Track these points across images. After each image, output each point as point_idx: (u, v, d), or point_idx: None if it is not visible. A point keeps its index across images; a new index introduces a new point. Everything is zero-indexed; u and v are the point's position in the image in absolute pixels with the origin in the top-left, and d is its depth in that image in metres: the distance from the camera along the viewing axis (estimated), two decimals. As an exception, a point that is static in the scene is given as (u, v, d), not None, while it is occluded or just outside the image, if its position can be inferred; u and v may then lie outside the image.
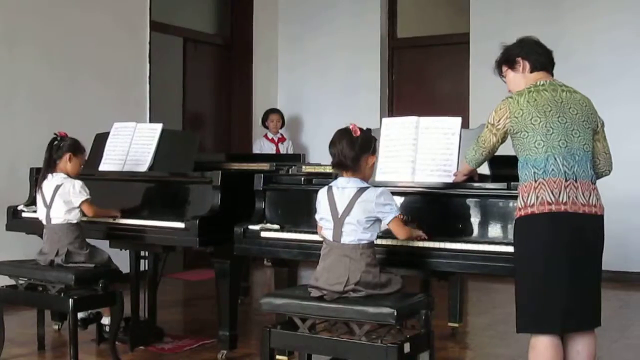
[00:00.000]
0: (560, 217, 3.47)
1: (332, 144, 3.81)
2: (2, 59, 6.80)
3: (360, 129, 3.81)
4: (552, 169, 3.49)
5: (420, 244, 3.99)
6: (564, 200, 3.46)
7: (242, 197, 4.79)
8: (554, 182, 3.47)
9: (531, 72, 3.74)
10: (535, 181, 3.50)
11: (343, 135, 3.80)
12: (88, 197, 4.91)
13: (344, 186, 3.78)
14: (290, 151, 9.36)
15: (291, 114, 9.94)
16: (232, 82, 9.88)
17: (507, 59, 3.83)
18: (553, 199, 3.46)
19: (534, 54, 3.75)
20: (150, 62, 8.17)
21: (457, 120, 4.37)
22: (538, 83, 3.66)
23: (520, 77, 3.77)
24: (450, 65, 9.51)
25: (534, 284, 3.51)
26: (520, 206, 3.55)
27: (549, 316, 3.49)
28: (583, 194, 3.50)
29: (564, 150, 3.51)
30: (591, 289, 3.57)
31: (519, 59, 3.76)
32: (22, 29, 6.95)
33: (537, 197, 3.48)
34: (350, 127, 3.81)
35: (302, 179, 4.69)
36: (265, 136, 9.34)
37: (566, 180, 3.48)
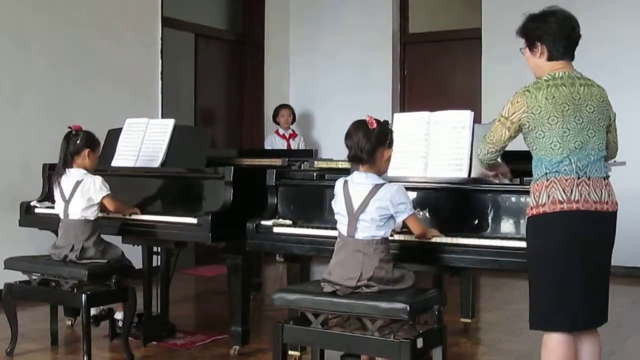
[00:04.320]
0: (573, 215, 3.43)
1: (348, 136, 3.78)
2: (12, 57, 6.81)
3: (377, 121, 3.76)
4: (565, 169, 3.44)
5: (433, 239, 3.98)
6: (576, 199, 3.42)
7: (255, 193, 4.79)
8: (566, 181, 3.43)
9: (548, 60, 3.59)
10: (547, 180, 3.46)
11: (359, 128, 3.76)
12: (109, 192, 4.92)
13: (360, 182, 3.76)
14: (302, 147, 9.34)
15: (303, 110, 9.94)
16: (244, 78, 9.88)
17: (526, 37, 3.65)
18: (565, 197, 3.42)
19: (554, 41, 3.56)
20: (162, 58, 8.17)
21: (467, 114, 4.35)
22: (557, 75, 3.53)
23: (537, 62, 3.63)
24: (462, 60, 9.49)
25: (546, 282, 3.48)
26: (532, 205, 3.51)
27: (562, 315, 3.46)
28: (595, 191, 3.45)
29: (579, 152, 3.46)
30: (602, 286, 3.55)
31: (538, 43, 3.60)
32: (33, 26, 6.96)
33: (549, 196, 3.44)
34: (367, 119, 3.77)
35: (315, 174, 4.69)
36: (277, 132, 9.34)
37: (578, 178, 3.44)
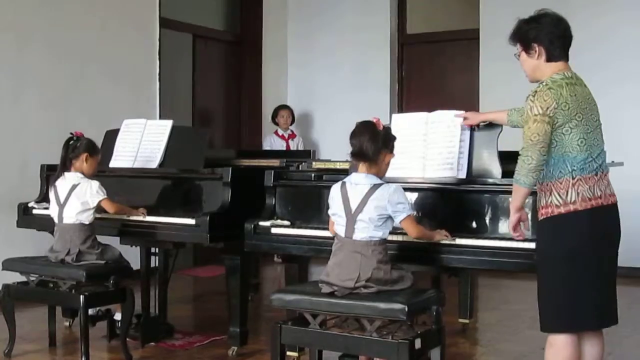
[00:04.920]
0: (600, 211, 3.46)
1: (354, 135, 3.80)
2: (11, 57, 6.81)
3: (383, 125, 3.82)
4: (589, 167, 3.45)
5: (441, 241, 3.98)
6: (599, 195, 3.46)
7: (253, 194, 4.79)
8: (589, 179, 3.45)
9: (547, 61, 3.56)
10: (573, 178, 3.44)
11: (367, 127, 3.80)
12: (105, 196, 4.92)
13: (358, 182, 3.78)
14: (301, 147, 9.32)
15: (301, 111, 9.93)
16: (242, 78, 9.88)
17: (522, 40, 3.63)
18: (591, 194, 3.44)
19: (551, 40, 3.55)
20: (159, 58, 8.17)
21: (460, 113, 4.36)
22: (567, 75, 3.51)
23: (536, 64, 3.59)
24: (460, 61, 9.49)
25: (574, 282, 3.45)
26: (557, 203, 3.45)
27: (587, 314, 3.48)
28: (607, 185, 3.51)
29: (597, 148, 3.49)
30: (614, 284, 3.57)
31: (535, 44, 3.57)
32: (31, 27, 6.95)
33: (578, 194, 3.43)
34: (374, 120, 3.81)
35: (313, 175, 4.69)
36: (276, 132, 9.33)
37: (596, 175, 3.47)
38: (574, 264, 3.44)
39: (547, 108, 3.40)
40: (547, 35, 3.55)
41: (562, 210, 3.45)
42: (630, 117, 7.84)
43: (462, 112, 4.30)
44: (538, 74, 3.59)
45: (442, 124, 4.37)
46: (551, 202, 3.47)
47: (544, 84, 3.48)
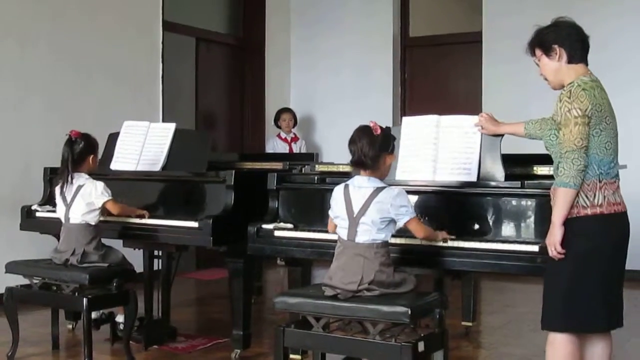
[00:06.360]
0: (619, 217, 3.50)
1: (352, 142, 3.78)
2: (14, 60, 6.82)
3: (380, 127, 3.78)
4: (612, 171, 3.49)
5: (441, 243, 3.98)
6: (619, 201, 3.50)
7: (256, 197, 4.79)
8: (612, 184, 3.48)
9: (568, 62, 3.57)
10: (600, 181, 3.45)
11: (363, 134, 3.76)
12: (110, 197, 4.92)
13: (361, 185, 3.77)
14: (304, 150, 9.33)
15: (304, 114, 9.94)
16: (245, 81, 9.89)
17: (541, 44, 3.64)
18: (613, 199, 3.47)
19: (570, 43, 3.58)
20: (163, 62, 8.17)
21: (477, 121, 4.34)
22: (593, 78, 3.54)
23: (557, 66, 3.59)
24: (463, 64, 9.49)
25: (589, 282, 3.46)
26: (584, 204, 3.45)
27: (600, 315, 3.50)
28: (621, 194, 3.54)
29: (617, 155, 3.53)
30: (622, 285, 3.60)
31: (555, 46, 3.58)
32: (34, 29, 6.97)
33: (604, 197, 3.45)
34: (371, 125, 3.78)
35: (316, 178, 4.69)
36: (279, 136, 9.33)
37: (614, 182, 3.51)
38: (591, 264, 3.45)
39: (586, 109, 3.41)
40: (566, 37, 3.58)
41: (589, 212, 3.45)
42: (636, 122, 7.82)
43: (478, 119, 4.26)
44: (560, 77, 3.59)
45: (458, 129, 4.33)
46: (577, 202, 3.45)
47: (575, 84, 3.47)
